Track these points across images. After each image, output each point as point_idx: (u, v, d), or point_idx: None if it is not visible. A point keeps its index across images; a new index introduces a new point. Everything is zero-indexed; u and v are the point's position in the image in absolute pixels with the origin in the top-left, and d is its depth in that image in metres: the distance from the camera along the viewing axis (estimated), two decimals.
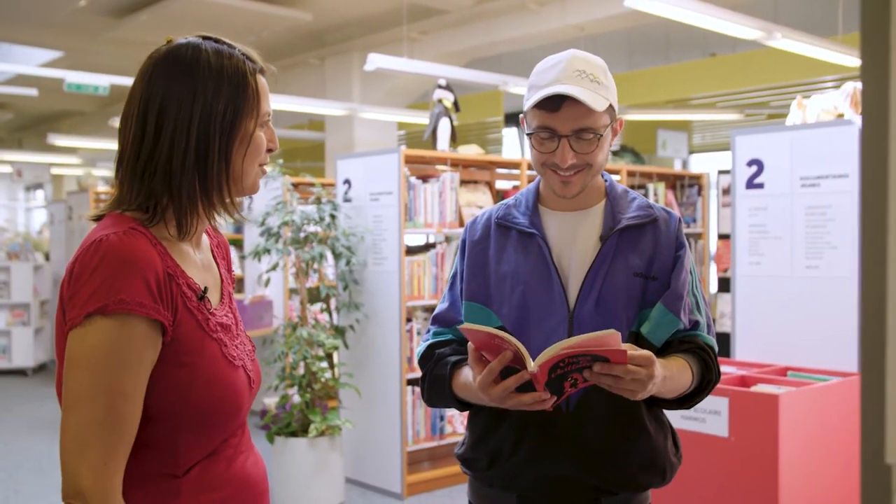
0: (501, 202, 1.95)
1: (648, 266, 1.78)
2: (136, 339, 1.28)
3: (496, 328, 1.59)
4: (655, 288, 1.77)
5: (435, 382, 1.84)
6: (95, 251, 1.30)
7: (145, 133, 1.38)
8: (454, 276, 1.93)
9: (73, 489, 1.25)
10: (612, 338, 1.48)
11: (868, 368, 0.67)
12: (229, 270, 1.63)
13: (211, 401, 1.37)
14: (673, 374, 1.68)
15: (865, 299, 0.67)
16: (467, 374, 1.74)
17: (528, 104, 1.75)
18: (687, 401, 1.82)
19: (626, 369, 1.51)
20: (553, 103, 1.70)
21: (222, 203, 1.44)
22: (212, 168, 1.39)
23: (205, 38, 1.45)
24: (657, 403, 1.83)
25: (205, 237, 1.57)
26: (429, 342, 1.90)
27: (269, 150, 1.49)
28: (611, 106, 1.74)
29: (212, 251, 1.59)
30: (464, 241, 1.92)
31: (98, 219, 1.42)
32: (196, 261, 1.47)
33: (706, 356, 1.79)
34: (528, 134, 1.78)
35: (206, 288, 1.43)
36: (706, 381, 1.79)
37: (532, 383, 1.55)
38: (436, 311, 1.94)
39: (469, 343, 1.62)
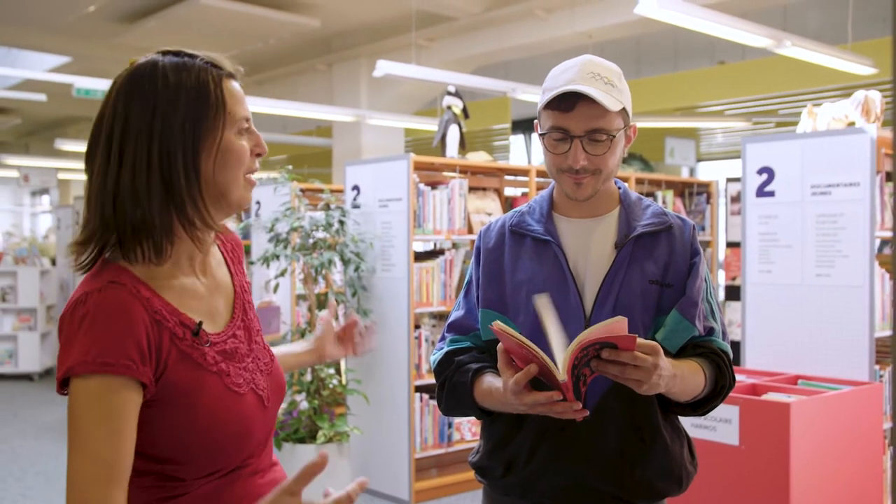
0: (515, 209, 1.95)
1: (664, 273, 1.78)
2: (106, 394, 1.28)
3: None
4: (671, 295, 1.77)
5: (455, 390, 1.82)
6: (74, 311, 1.31)
7: (110, 156, 1.35)
8: (469, 284, 1.92)
9: None
10: (619, 325, 1.48)
11: None
12: (244, 274, 1.60)
13: (213, 434, 1.36)
14: (684, 373, 1.67)
15: None
16: (491, 382, 1.74)
17: (541, 104, 1.76)
18: (701, 406, 1.81)
19: (632, 356, 1.51)
20: (567, 103, 1.70)
21: (204, 221, 1.38)
22: (179, 185, 1.34)
23: (164, 52, 1.41)
24: (672, 410, 1.82)
25: (214, 250, 1.53)
26: (446, 350, 1.89)
27: (258, 155, 1.44)
28: (624, 110, 1.74)
29: (226, 260, 1.55)
30: (478, 249, 1.92)
31: (74, 252, 1.40)
32: (197, 290, 1.44)
33: (720, 361, 1.78)
34: (540, 135, 1.78)
35: (200, 322, 1.40)
36: (720, 387, 1.78)
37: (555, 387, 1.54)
38: (451, 319, 1.93)
39: (499, 345, 1.61)
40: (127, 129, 1.34)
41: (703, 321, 1.79)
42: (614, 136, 1.73)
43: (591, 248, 1.81)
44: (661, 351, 1.56)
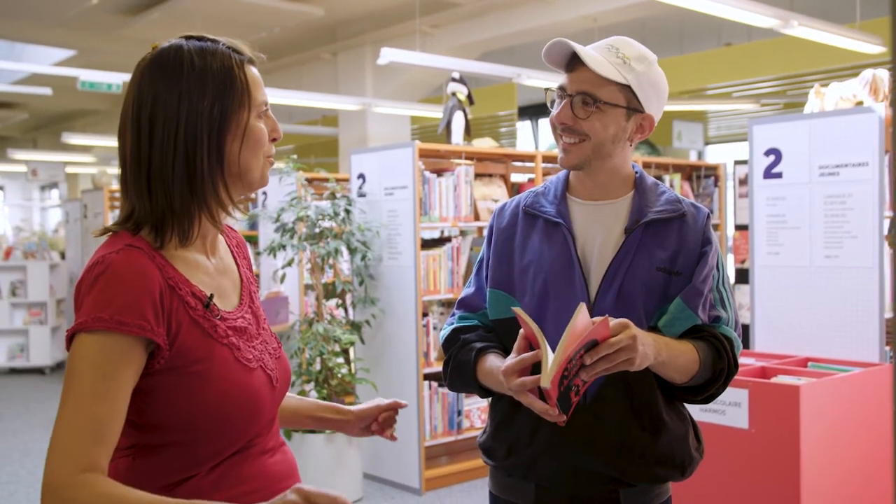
0: (531, 189, 1.95)
1: (672, 261, 1.77)
2: (113, 353, 1.29)
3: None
4: (679, 283, 1.76)
5: (459, 367, 1.84)
6: (90, 272, 1.33)
7: (140, 142, 1.38)
8: (481, 262, 1.94)
9: (43, 485, 1.27)
10: (582, 317, 1.50)
11: None
12: (250, 269, 1.63)
13: (225, 406, 1.38)
14: (670, 344, 1.67)
15: None
16: (492, 362, 1.75)
17: (550, 60, 1.81)
18: (702, 391, 1.80)
19: (609, 344, 1.51)
20: (571, 65, 1.77)
21: (220, 203, 1.43)
22: (201, 169, 1.38)
23: (188, 37, 1.44)
24: (676, 396, 1.82)
25: (221, 239, 1.57)
26: (454, 326, 1.91)
27: (273, 140, 1.49)
28: (630, 90, 1.74)
29: (232, 252, 1.59)
30: (491, 228, 1.93)
31: (105, 233, 1.44)
32: (207, 267, 1.47)
33: (719, 345, 1.76)
34: (546, 90, 1.85)
35: (211, 295, 1.43)
36: (719, 370, 1.76)
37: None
38: (462, 295, 1.95)
39: (521, 331, 1.63)
40: (155, 113, 1.38)
41: (710, 310, 1.79)
42: (601, 106, 1.73)
43: (600, 232, 1.81)
44: (629, 322, 1.57)
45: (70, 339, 1.32)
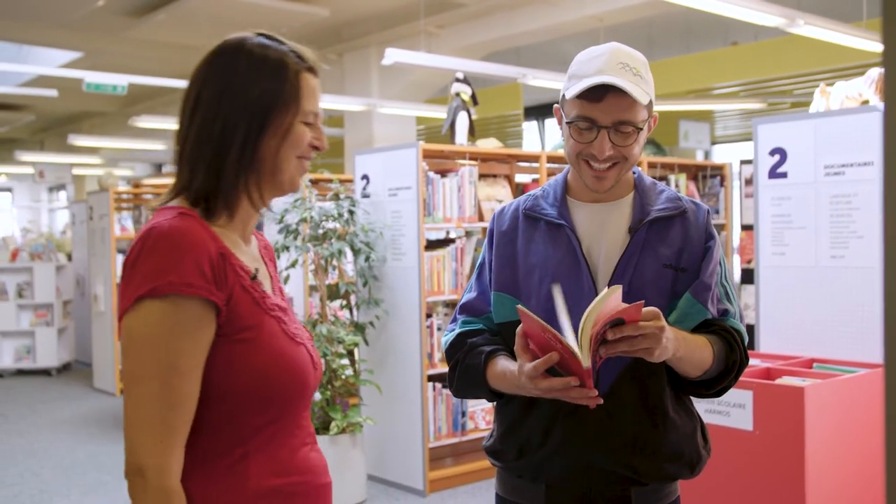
0: (529, 193, 1.94)
1: (678, 258, 1.78)
2: (187, 319, 1.30)
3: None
4: (685, 279, 1.77)
5: (468, 371, 1.82)
6: (146, 238, 1.33)
7: (192, 120, 1.42)
8: (482, 266, 1.93)
9: (133, 466, 1.28)
10: (617, 297, 1.49)
11: (892, 362, 0.63)
12: (275, 272, 1.64)
13: (274, 374, 1.38)
14: (688, 339, 1.68)
15: (889, 291, 0.63)
16: (504, 365, 1.74)
17: (570, 93, 1.74)
18: (715, 384, 1.80)
19: (635, 327, 1.51)
20: (596, 94, 1.70)
21: (259, 195, 1.46)
22: (230, 158, 1.40)
23: (259, 33, 1.48)
24: (686, 391, 1.82)
25: (253, 238, 1.59)
26: (459, 331, 1.89)
27: (316, 148, 1.49)
28: (650, 101, 1.74)
29: (260, 252, 1.60)
30: (491, 231, 1.92)
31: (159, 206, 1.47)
32: (246, 250, 1.49)
33: (730, 338, 1.77)
34: (567, 122, 1.76)
35: (256, 269, 1.44)
36: (731, 362, 1.77)
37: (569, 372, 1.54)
38: (464, 300, 1.93)
39: (519, 328, 1.60)
40: (200, 97, 1.42)
41: (718, 304, 1.80)
42: (641, 129, 1.73)
43: (604, 232, 1.81)
44: (661, 314, 1.56)
45: (127, 307, 1.31)
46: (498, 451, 1.87)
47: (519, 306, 1.55)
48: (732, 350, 1.77)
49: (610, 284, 1.74)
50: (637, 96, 1.67)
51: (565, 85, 1.78)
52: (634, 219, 1.80)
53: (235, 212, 1.44)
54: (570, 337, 1.51)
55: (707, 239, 1.81)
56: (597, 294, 1.75)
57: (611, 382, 1.73)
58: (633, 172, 1.88)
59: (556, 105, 1.83)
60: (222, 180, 1.40)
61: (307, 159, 1.49)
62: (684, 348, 1.66)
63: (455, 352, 1.87)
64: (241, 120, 1.40)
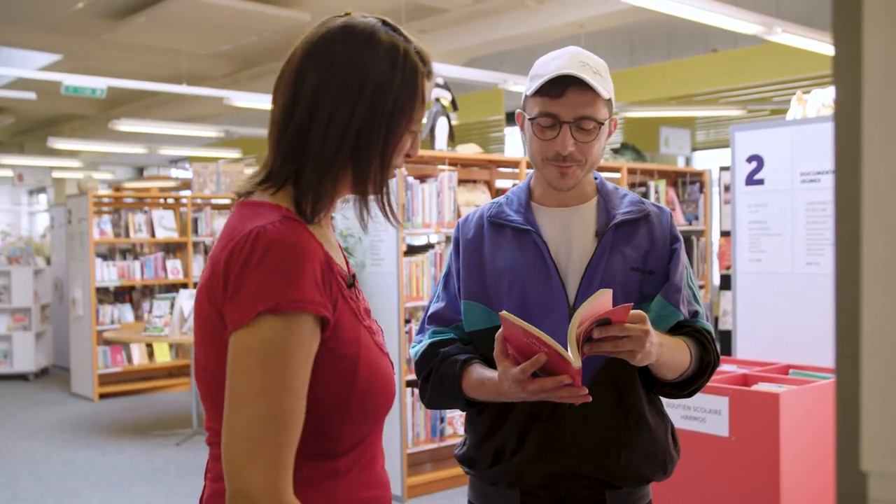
0: (493, 201, 1.94)
1: (644, 260, 1.80)
2: (305, 336, 1.22)
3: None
4: (652, 282, 1.79)
5: (442, 382, 1.78)
6: (255, 243, 1.22)
7: (297, 104, 1.30)
8: (448, 275, 1.91)
9: (240, 490, 1.18)
10: (607, 298, 1.51)
11: (842, 370, 0.63)
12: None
13: (372, 390, 1.32)
14: (670, 344, 1.69)
15: (839, 299, 0.63)
16: (481, 373, 1.72)
17: (530, 90, 1.76)
18: (689, 385, 1.81)
19: (621, 328, 1.52)
20: (557, 89, 1.71)
21: (377, 188, 1.35)
22: (367, 154, 1.30)
23: (384, 22, 1.36)
24: (661, 391, 1.83)
25: None
26: (429, 341, 1.85)
27: (408, 156, 1.40)
28: (610, 101, 1.76)
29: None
30: (457, 240, 1.91)
31: (243, 196, 1.36)
32: (336, 247, 1.41)
33: (703, 339, 1.80)
34: (530, 119, 1.77)
35: (353, 274, 1.38)
36: (705, 363, 1.79)
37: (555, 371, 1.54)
38: (431, 310, 1.91)
39: (498, 333, 1.58)
40: (328, 82, 1.29)
41: (687, 305, 1.82)
42: (602, 125, 1.74)
43: (571, 237, 1.82)
44: (647, 318, 1.57)
45: (241, 322, 1.21)
46: (472, 459, 1.86)
47: (503, 312, 1.54)
48: (707, 351, 1.80)
49: (580, 288, 1.76)
50: (598, 89, 1.69)
51: (527, 87, 1.79)
52: (600, 223, 1.81)
53: (331, 211, 1.37)
54: (554, 342, 1.51)
55: (672, 241, 1.84)
56: (567, 298, 1.76)
57: (586, 386, 1.73)
58: (595, 178, 1.90)
59: (517, 111, 1.84)
60: (337, 182, 1.32)
61: (398, 167, 1.40)
62: (667, 353, 1.67)
63: (427, 362, 1.83)
64: (376, 122, 1.29)
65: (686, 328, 1.80)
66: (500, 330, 1.58)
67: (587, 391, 1.55)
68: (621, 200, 1.86)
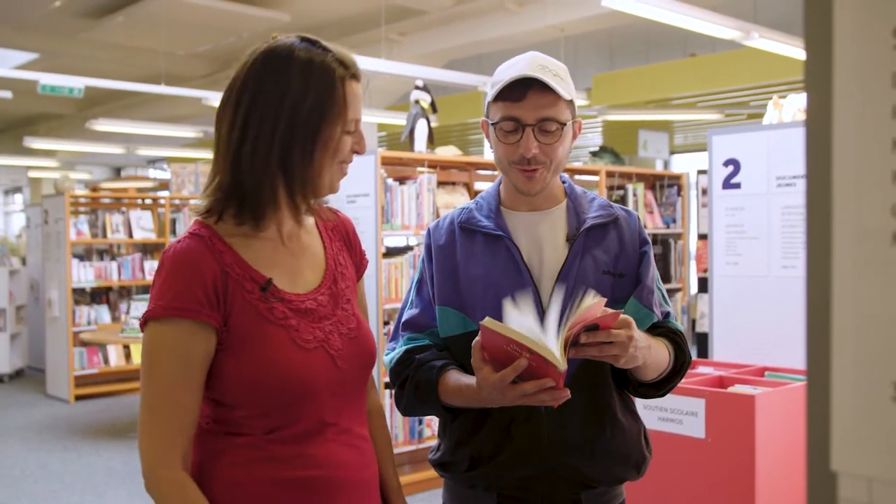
0: (462, 206, 1.93)
1: (615, 263, 1.82)
2: (183, 338, 1.43)
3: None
4: (623, 285, 1.81)
5: (419, 388, 1.77)
6: (162, 258, 1.48)
7: (234, 125, 1.47)
8: (421, 282, 1.89)
9: (143, 469, 1.44)
10: (599, 305, 1.52)
11: (813, 372, 0.64)
12: (349, 252, 1.71)
13: (279, 385, 1.46)
14: (652, 345, 1.71)
15: (810, 302, 0.64)
16: (458, 379, 1.71)
17: (491, 96, 1.77)
18: (664, 385, 1.83)
19: (607, 333, 1.53)
20: (518, 93, 1.72)
21: (304, 198, 1.51)
22: (294, 165, 1.46)
23: (303, 38, 1.51)
24: (637, 391, 1.85)
25: (310, 223, 1.65)
26: (405, 348, 1.83)
27: (355, 152, 1.55)
28: (572, 102, 1.78)
29: (321, 237, 1.66)
30: (429, 246, 1.89)
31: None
32: (277, 251, 1.55)
33: (678, 339, 1.83)
34: (493, 124, 1.78)
35: (269, 280, 1.50)
36: (681, 363, 1.82)
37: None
38: (405, 317, 1.89)
39: (475, 341, 1.57)
40: (255, 103, 1.46)
41: (660, 307, 1.85)
42: (564, 126, 1.75)
43: (543, 241, 1.82)
44: (634, 323, 1.58)
45: (143, 325, 1.47)
46: (447, 464, 1.85)
47: (485, 320, 1.52)
48: (682, 351, 1.82)
49: (553, 293, 1.74)
50: (558, 90, 1.70)
51: (489, 92, 1.80)
52: (571, 227, 1.82)
53: (270, 217, 1.51)
54: (544, 341, 1.50)
55: (641, 244, 1.86)
56: (540, 302, 1.76)
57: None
58: (563, 181, 1.91)
59: (482, 119, 1.84)
60: (275, 191, 1.48)
61: (347, 163, 1.55)
62: (652, 357, 1.70)
63: (403, 369, 1.81)
64: (298, 132, 1.45)
65: (660, 328, 1.83)
66: (476, 338, 1.57)
67: (568, 391, 1.55)
68: (590, 204, 1.88)
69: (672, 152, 14.61)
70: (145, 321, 1.46)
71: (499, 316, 1.66)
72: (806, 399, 0.65)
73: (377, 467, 1.63)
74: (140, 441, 1.45)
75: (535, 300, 1.75)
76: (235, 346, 1.46)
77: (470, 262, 1.82)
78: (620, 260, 1.82)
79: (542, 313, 1.73)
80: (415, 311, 1.88)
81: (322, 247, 1.64)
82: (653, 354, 1.70)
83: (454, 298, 1.81)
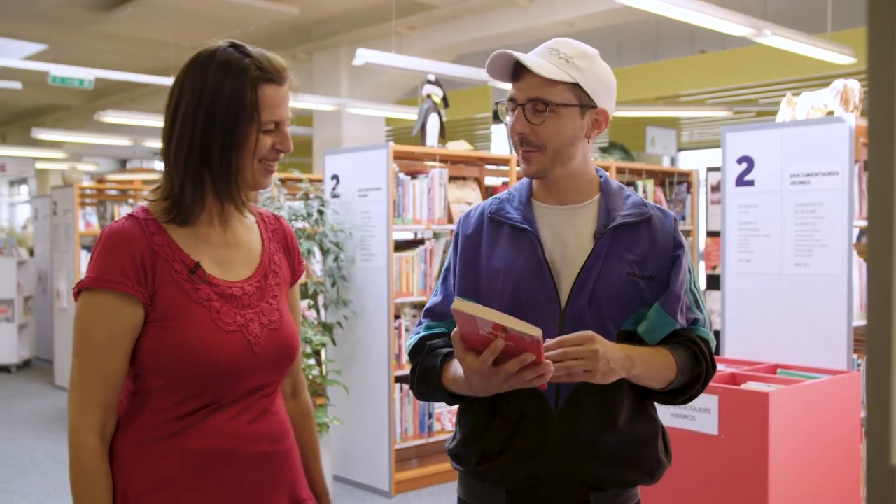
0: (495, 196, 1.93)
1: (643, 265, 1.76)
2: (108, 307, 1.54)
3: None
4: (652, 287, 1.76)
5: (425, 374, 1.81)
6: (98, 237, 1.58)
7: (166, 128, 1.60)
8: (447, 270, 1.91)
9: (68, 424, 1.57)
10: (535, 336, 1.47)
11: (873, 368, 0.65)
12: (287, 255, 1.79)
13: (196, 361, 1.55)
14: (643, 356, 1.68)
15: (872, 297, 0.64)
16: (457, 368, 1.71)
17: (495, 75, 1.81)
18: (680, 394, 1.80)
19: (565, 352, 1.54)
20: (515, 74, 1.76)
21: (229, 196, 1.62)
22: (215, 165, 1.57)
23: (230, 44, 1.61)
24: (653, 398, 1.82)
25: (252, 220, 1.75)
26: (420, 335, 1.87)
27: (280, 151, 1.63)
28: (579, 87, 1.73)
29: (261, 234, 1.76)
30: (457, 235, 1.91)
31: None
32: (213, 240, 1.65)
33: (696, 349, 1.77)
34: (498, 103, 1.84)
35: (197, 263, 1.60)
36: (697, 374, 1.77)
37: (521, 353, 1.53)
38: (428, 304, 1.92)
39: (454, 332, 1.58)
40: (179, 105, 1.58)
41: (687, 313, 1.79)
42: (556, 109, 1.72)
43: (569, 237, 1.80)
44: (595, 336, 1.58)
45: (76, 295, 1.57)
46: (460, 455, 1.86)
47: (455, 304, 1.50)
48: (698, 362, 1.76)
49: (573, 291, 1.74)
50: (539, 70, 1.69)
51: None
52: (599, 224, 1.79)
53: (201, 212, 1.62)
54: (510, 320, 1.48)
55: (675, 247, 1.79)
56: (559, 299, 1.74)
57: (571, 390, 1.73)
58: (600, 176, 1.88)
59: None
60: (190, 184, 1.58)
61: (272, 161, 1.63)
62: (641, 365, 1.66)
63: (416, 355, 1.86)
64: (215, 133, 1.55)
65: (681, 336, 1.77)
66: (454, 330, 1.58)
67: (551, 365, 1.53)
68: (624, 202, 1.82)
69: (679, 149, 14.59)
70: (79, 291, 1.56)
71: (514, 311, 1.65)
72: (866, 395, 0.66)
73: (291, 444, 1.71)
74: (69, 402, 1.57)
75: (553, 297, 1.75)
76: (160, 322, 1.56)
77: (493, 256, 1.82)
78: (650, 262, 1.77)
79: (559, 310, 1.74)
80: (437, 299, 1.90)
81: (260, 245, 1.74)
82: (642, 364, 1.66)
83: (473, 290, 1.82)
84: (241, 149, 1.57)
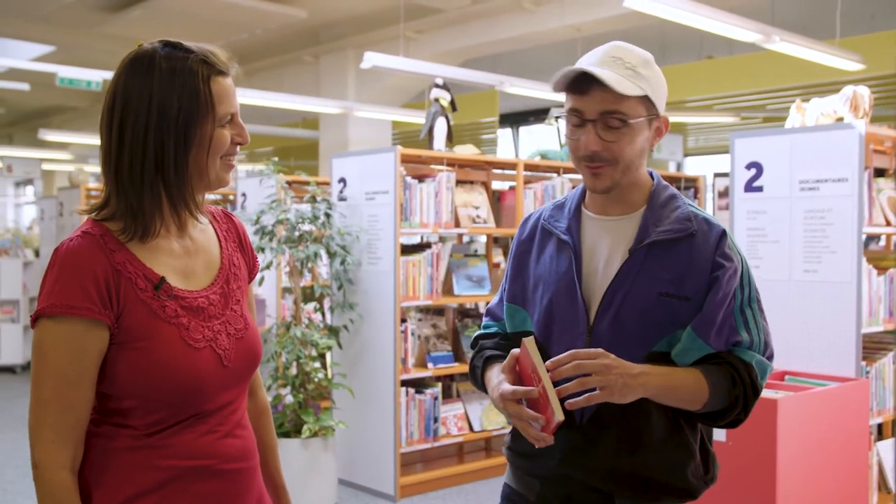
0: (554, 201, 1.93)
1: (678, 285, 1.69)
2: (72, 335, 1.44)
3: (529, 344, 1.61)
4: (689, 309, 1.68)
5: (473, 372, 1.93)
6: (53, 256, 1.48)
7: (111, 138, 1.50)
8: (507, 273, 1.97)
9: (32, 460, 1.47)
10: (529, 346, 1.59)
11: None
12: (242, 253, 1.74)
13: (166, 381, 1.49)
14: (671, 378, 1.64)
15: None
16: (493, 373, 1.79)
17: (551, 85, 1.72)
18: (720, 418, 1.72)
19: (577, 366, 1.54)
20: (581, 85, 1.67)
21: (186, 202, 1.55)
22: (169, 172, 1.49)
23: (165, 43, 1.54)
24: (698, 421, 1.76)
25: (206, 222, 1.68)
26: (478, 333, 1.98)
27: (238, 144, 1.58)
28: (648, 98, 1.68)
29: (218, 236, 1.69)
30: (515, 239, 1.95)
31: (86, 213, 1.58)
32: (173, 250, 1.58)
33: (733, 371, 1.68)
34: (558, 117, 1.79)
35: (162, 278, 1.53)
36: (734, 397, 1.67)
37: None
38: (490, 304, 2.00)
39: (514, 351, 1.66)
40: (126, 115, 1.49)
41: (730, 334, 1.69)
42: (630, 123, 1.66)
43: (605, 250, 1.76)
44: (604, 353, 1.57)
45: (34, 322, 1.47)
46: (511, 448, 1.91)
47: (526, 340, 1.57)
48: (734, 385, 1.67)
49: (600, 308, 1.72)
50: (616, 86, 1.62)
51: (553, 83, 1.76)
52: (636, 239, 1.72)
53: (154, 225, 1.53)
54: (551, 388, 1.56)
55: (715, 267, 1.68)
56: (587, 317, 1.73)
57: (593, 410, 1.71)
58: (654, 182, 1.80)
59: (551, 109, 1.87)
60: (148, 197, 1.50)
61: (232, 156, 1.58)
62: (659, 385, 1.61)
63: (471, 351, 1.97)
64: (167, 139, 1.48)
65: (717, 359, 1.68)
66: (516, 349, 1.64)
67: (552, 439, 1.58)
68: (669, 215, 1.73)
69: (685, 154, 14.57)
70: (36, 318, 1.46)
71: (548, 323, 1.72)
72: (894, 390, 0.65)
73: (258, 459, 1.69)
74: (31, 435, 1.47)
75: (582, 315, 1.72)
76: (127, 343, 1.48)
77: (539, 264, 1.84)
78: (686, 282, 1.68)
79: (587, 328, 1.72)
80: (495, 300, 1.98)
81: (218, 246, 1.68)
82: (667, 383, 1.62)
83: (520, 297, 1.87)
84: (199, 149, 1.51)
